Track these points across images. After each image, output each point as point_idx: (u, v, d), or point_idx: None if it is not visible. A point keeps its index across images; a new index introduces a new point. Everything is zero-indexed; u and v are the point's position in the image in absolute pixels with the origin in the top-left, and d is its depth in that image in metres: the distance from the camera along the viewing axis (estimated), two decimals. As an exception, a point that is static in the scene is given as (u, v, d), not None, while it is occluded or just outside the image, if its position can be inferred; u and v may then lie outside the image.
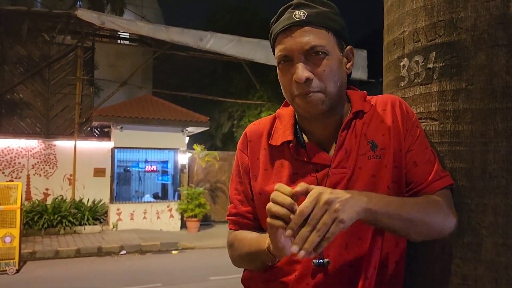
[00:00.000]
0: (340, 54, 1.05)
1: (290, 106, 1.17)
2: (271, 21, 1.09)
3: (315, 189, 0.85)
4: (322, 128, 1.09)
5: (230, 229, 1.22)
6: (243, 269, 1.20)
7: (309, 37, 1.00)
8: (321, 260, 1.01)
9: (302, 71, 0.99)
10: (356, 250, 1.01)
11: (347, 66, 1.09)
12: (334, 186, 1.01)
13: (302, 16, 1.01)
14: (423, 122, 1.16)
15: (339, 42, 1.05)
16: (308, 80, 1.00)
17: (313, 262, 1.01)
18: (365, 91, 1.15)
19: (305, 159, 1.08)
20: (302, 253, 0.81)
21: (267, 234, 0.95)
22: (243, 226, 1.18)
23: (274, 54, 1.08)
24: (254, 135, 1.18)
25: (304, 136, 1.12)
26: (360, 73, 12.80)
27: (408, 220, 0.95)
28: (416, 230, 0.98)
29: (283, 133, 1.12)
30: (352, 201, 0.85)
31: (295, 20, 1.01)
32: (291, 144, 1.10)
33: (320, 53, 1.00)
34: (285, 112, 1.17)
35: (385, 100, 1.11)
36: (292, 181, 1.07)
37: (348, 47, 1.09)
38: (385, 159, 1.03)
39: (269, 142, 1.14)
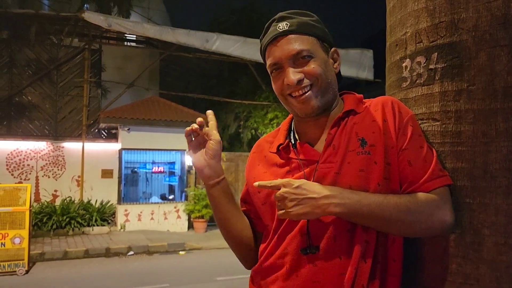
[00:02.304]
0: (325, 55, 1.14)
1: (290, 115, 1.29)
2: (260, 37, 1.20)
3: (299, 180, 1.03)
4: (314, 128, 1.17)
5: None
6: (251, 269, 1.27)
7: (293, 44, 1.10)
8: (308, 249, 1.06)
9: (292, 75, 1.09)
10: (345, 243, 1.05)
11: (335, 66, 1.18)
12: (321, 179, 1.08)
13: (285, 27, 1.12)
14: (425, 122, 1.17)
15: (322, 45, 1.14)
16: (299, 81, 1.09)
17: (300, 251, 1.07)
18: (361, 95, 1.20)
19: (295, 156, 1.16)
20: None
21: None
22: None
23: (266, 67, 1.18)
24: (258, 148, 1.32)
25: (298, 137, 1.21)
26: (366, 73, 12.78)
27: (382, 219, 1.01)
28: (394, 228, 1.04)
29: (278, 139, 1.24)
30: (312, 202, 1.00)
31: (279, 31, 1.12)
32: (282, 145, 1.20)
33: (306, 56, 1.10)
34: (284, 122, 1.29)
35: (378, 101, 1.16)
36: (284, 178, 1.14)
37: (332, 49, 1.18)
38: (375, 156, 1.06)
39: (269, 150, 1.25)
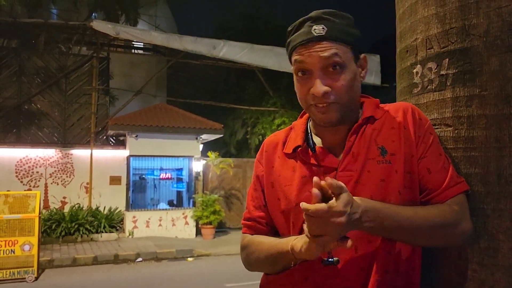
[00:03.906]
0: (355, 66, 1.08)
1: (304, 116, 1.24)
2: (289, 29, 1.12)
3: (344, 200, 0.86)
4: (333, 134, 1.13)
5: (243, 233, 1.26)
6: (260, 276, 1.23)
7: (327, 52, 1.03)
8: (330, 259, 1.01)
9: (320, 87, 1.03)
10: (366, 253, 1.03)
11: (361, 75, 1.12)
12: None
13: (322, 31, 1.03)
14: (437, 128, 1.17)
15: (354, 54, 1.08)
16: (325, 94, 1.04)
17: (322, 261, 1.02)
18: (378, 99, 1.17)
19: (314, 162, 1.11)
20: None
21: (288, 238, 1.03)
22: (256, 231, 1.22)
23: (290, 62, 1.12)
24: (270, 145, 1.24)
25: (316, 141, 1.16)
26: (373, 78, 12.74)
27: (410, 234, 0.99)
28: (420, 241, 1.03)
29: (295, 140, 1.18)
30: (355, 223, 0.90)
31: (314, 35, 1.04)
32: (299, 148, 1.14)
33: (337, 67, 1.04)
34: (299, 122, 1.23)
35: (397, 107, 1.13)
36: (302, 184, 1.11)
37: (362, 56, 1.11)
38: (395, 165, 1.05)
39: (283, 150, 1.20)
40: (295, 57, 1.08)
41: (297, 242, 0.98)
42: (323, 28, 1.04)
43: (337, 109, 1.06)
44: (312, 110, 1.09)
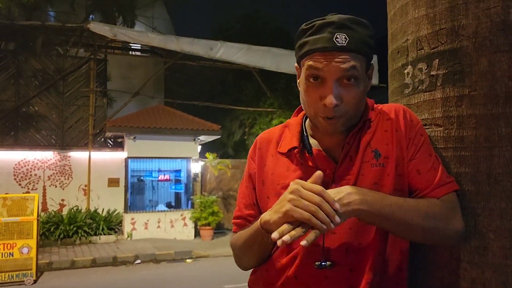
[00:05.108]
0: (366, 78, 1.08)
1: (300, 115, 1.22)
2: (303, 27, 1.08)
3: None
4: (331, 137, 1.12)
5: (233, 231, 1.26)
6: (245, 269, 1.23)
7: (347, 65, 1.00)
8: (323, 263, 1.02)
9: (332, 99, 1.01)
10: (356, 255, 1.03)
11: (368, 84, 1.11)
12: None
13: (344, 42, 1.00)
14: (428, 128, 1.17)
15: (367, 66, 1.07)
16: (336, 106, 1.02)
17: (315, 265, 1.03)
18: (373, 99, 1.17)
19: (311, 164, 1.10)
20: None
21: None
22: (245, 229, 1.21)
23: (298, 62, 1.10)
24: (264, 142, 1.23)
25: (312, 142, 1.15)
26: (371, 78, 12.76)
27: (403, 223, 0.98)
28: (413, 233, 1.01)
29: (290, 140, 1.16)
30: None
31: (336, 45, 1.00)
32: (296, 149, 1.13)
33: (352, 79, 1.02)
34: (294, 121, 1.21)
35: (390, 109, 1.13)
36: None
37: (371, 66, 1.10)
38: (388, 168, 1.06)
39: (277, 149, 1.19)
40: (309, 62, 1.04)
41: (266, 213, 1.00)
42: (345, 38, 1.01)
43: (343, 122, 1.06)
44: (319, 120, 1.07)
